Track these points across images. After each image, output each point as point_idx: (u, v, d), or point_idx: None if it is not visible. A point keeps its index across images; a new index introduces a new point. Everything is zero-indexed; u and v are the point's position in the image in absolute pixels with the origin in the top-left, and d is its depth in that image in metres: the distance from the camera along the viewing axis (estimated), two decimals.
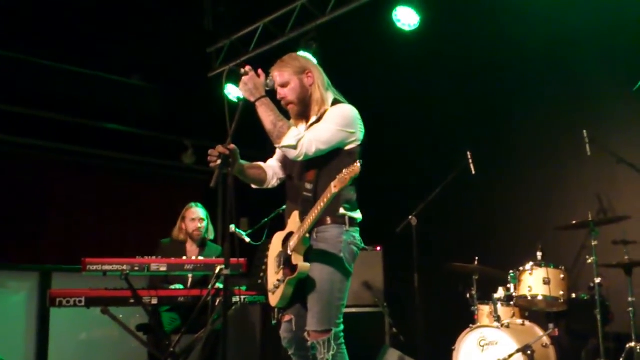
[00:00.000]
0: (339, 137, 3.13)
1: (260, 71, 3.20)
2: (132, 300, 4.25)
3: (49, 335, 5.87)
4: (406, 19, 5.70)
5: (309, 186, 3.14)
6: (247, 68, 3.17)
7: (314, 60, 3.34)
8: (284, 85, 3.25)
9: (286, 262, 3.11)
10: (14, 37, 6.50)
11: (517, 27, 5.72)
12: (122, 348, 5.80)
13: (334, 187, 2.85)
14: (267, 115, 3.11)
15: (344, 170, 2.83)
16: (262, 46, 6.78)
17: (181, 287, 4.91)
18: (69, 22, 6.70)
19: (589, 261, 4.43)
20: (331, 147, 3.12)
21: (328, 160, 3.14)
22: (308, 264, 3.05)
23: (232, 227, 4.08)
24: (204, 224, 5.33)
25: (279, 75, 3.25)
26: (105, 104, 7.31)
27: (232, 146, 3.08)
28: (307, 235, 3.06)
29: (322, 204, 2.95)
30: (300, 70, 3.25)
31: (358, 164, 2.82)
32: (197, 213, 5.33)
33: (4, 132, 6.59)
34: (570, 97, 5.47)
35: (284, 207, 3.42)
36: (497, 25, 5.81)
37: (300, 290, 3.13)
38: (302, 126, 3.30)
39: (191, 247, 5.34)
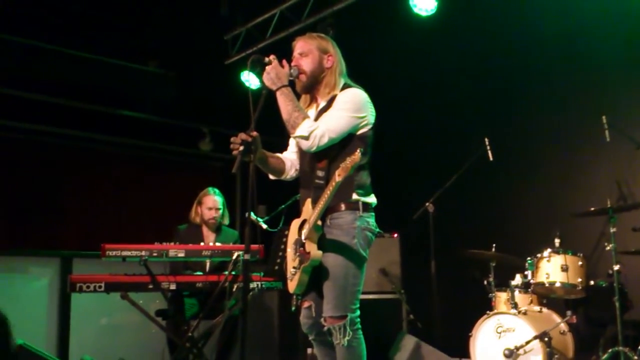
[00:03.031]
0: (351, 124, 3.15)
1: (284, 61, 3.23)
2: (150, 286, 4.30)
3: (70, 320, 5.95)
4: (423, 4, 5.68)
5: (320, 173, 3.16)
6: (272, 57, 3.21)
7: (339, 51, 3.36)
8: (303, 54, 3.29)
9: (301, 250, 3.14)
10: (32, 24, 6.55)
11: (534, 12, 5.67)
12: (142, 333, 5.86)
13: (337, 176, 2.87)
14: (285, 104, 3.14)
15: (347, 159, 2.86)
16: (278, 33, 6.77)
17: (201, 274, 4.95)
18: (86, 10, 6.73)
19: (608, 248, 4.39)
20: (343, 135, 3.15)
21: (340, 146, 3.15)
22: (320, 252, 3.07)
23: (251, 214, 4.11)
24: (220, 212, 5.37)
25: (303, 44, 3.32)
26: (123, 91, 7.35)
27: (255, 133, 3.10)
28: (319, 222, 3.08)
29: (328, 193, 2.97)
30: (324, 49, 3.31)
31: (358, 152, 2.84)
32: (213, 202, 5.35)
33: (23, 120, 6.66)
34: (589, 82, 5.41)
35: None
36: (514, 10, 5.76)
37: (318, 276, 3.15)
38: (312, 111, 3.32)
39: (207, 232, 5.39)
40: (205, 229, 5.39)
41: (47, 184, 6.86)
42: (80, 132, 7.08)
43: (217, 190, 5.44)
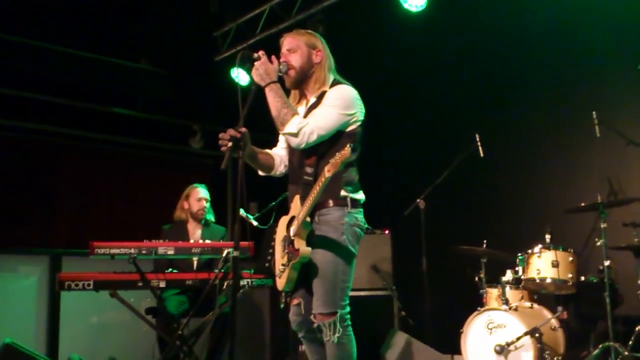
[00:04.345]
0: (340, 121, 3.14)
1: (273, 57, 3.21)
2: (140, 284, 4.27)
3: (59, 319, 5.92)
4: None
5: (309, 170, 3.15)
6: (260, 53, 3.20)
7: (327, 46, 3.36)
8: (291, 50, 3.27)
9: (289, 246, 3.12)
10: (22, 22, 6.50)
11: (525, 7, 5.66)
12: (133, 331, 5.83)
13: (327, 172, 2.86)
14: (274, 101, 3.13)
15: (336, 155, 2.85)
16: (268, 29, 6.75)
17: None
18: (77, 7, 6.68)
19: (598, 244, 4.41)
20: (332, 132, 3.14)
21: (328, 143, 3.14)
22: (309, 248, 3.05)
23: (241, 211, 4.10)
24: (208, 204, 5.39)
25: (290, 40, 3.31)
26: (113, 89, 7.31)
27: (244, 129, 3.08)
28: (308, 219, 3.07)
29: (317, 189, 2.97)
30: (312, 45, 3.30)
31: (348, 148, 2.82)
32: (202, 193, 5.41)
33: (13, 118, 6.61)
34: (579, 78, 5.42)
35: None
36: (504, 5, 5.75)
37: (307, 273, 3.13)
38: (301, 107, 3.31)
39: (193, 229, 5.39)
40: (190, 226, 5.39)
41: (36, 182, 6.82)
42: (69, 130, 7.03)
43: (203, 185, 5.48)
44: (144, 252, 4.26)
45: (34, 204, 6.74)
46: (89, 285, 4.15)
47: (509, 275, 4.81)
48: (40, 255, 6.04)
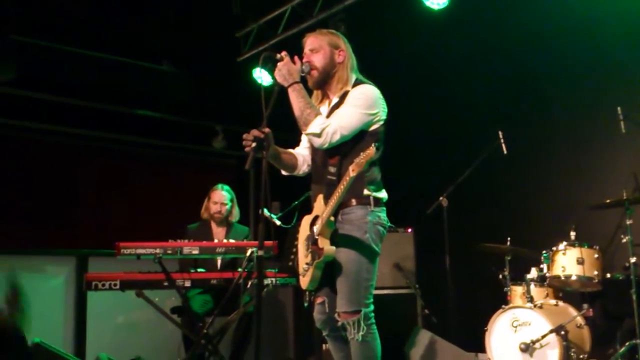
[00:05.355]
0: (363, 120, 3.16)
1: (296, 58, 3.23)
2: (165, 283, 4.32)
3: (86, 318, 6.00)
4: None
5: (332, 169, 3.17)
6: (283, 54, 3.22)
7: (349, 46, 3.37)
8: (313, 50, 3.29)
9: (313, 245, 3.14)
10: (45, 25, 6.58)
11: (548, 3, 5.62)
12: (159, 330, 5.88)
13: (352, 171, 2.88)
14: (297, 101, 3.15)
15: (360, 154, 2.87)
16: (290, 29, 6.76)
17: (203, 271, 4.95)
18: (99, 9, 6.76)
19: (624, 240, 4.36)
20: (355, 132, 3.15)
21: (351, 142, 3.16)
22: (333, 247, 3.07)
23: (264, 211, 4.13)
24: (227, 207, 5.42)
25: (313, 40, 3.33)
26: (136, 91, 7.38)
27: (267, 130, 3.10)
28: (332, 218, 3.08)
29: (341, 188, 2.98)
30: (334, 45, 3.32)
31: (373, 147, 2.85)
32: (220, 197, 5.43)
33: (37, 120, 6.71)
34: (603, 73, 5.35)
35: None
36: (528, 1, 5.71)
37: (331, 272, 3.15)
38: (324, 107, 3.32)
39: (216, 229, 5.45)
40: (213, 226, 5.46)
41: (62, 184, 6.92)
42: (94, 132, 7.13)
43: (226, 186, 5.51)
44: (169, 252, 4.30)
45: (61, 206, 6.84)
46: (115, 285, 4.21)
47: (533, 273, 4.77)
48: (67, 256, 6.13)
